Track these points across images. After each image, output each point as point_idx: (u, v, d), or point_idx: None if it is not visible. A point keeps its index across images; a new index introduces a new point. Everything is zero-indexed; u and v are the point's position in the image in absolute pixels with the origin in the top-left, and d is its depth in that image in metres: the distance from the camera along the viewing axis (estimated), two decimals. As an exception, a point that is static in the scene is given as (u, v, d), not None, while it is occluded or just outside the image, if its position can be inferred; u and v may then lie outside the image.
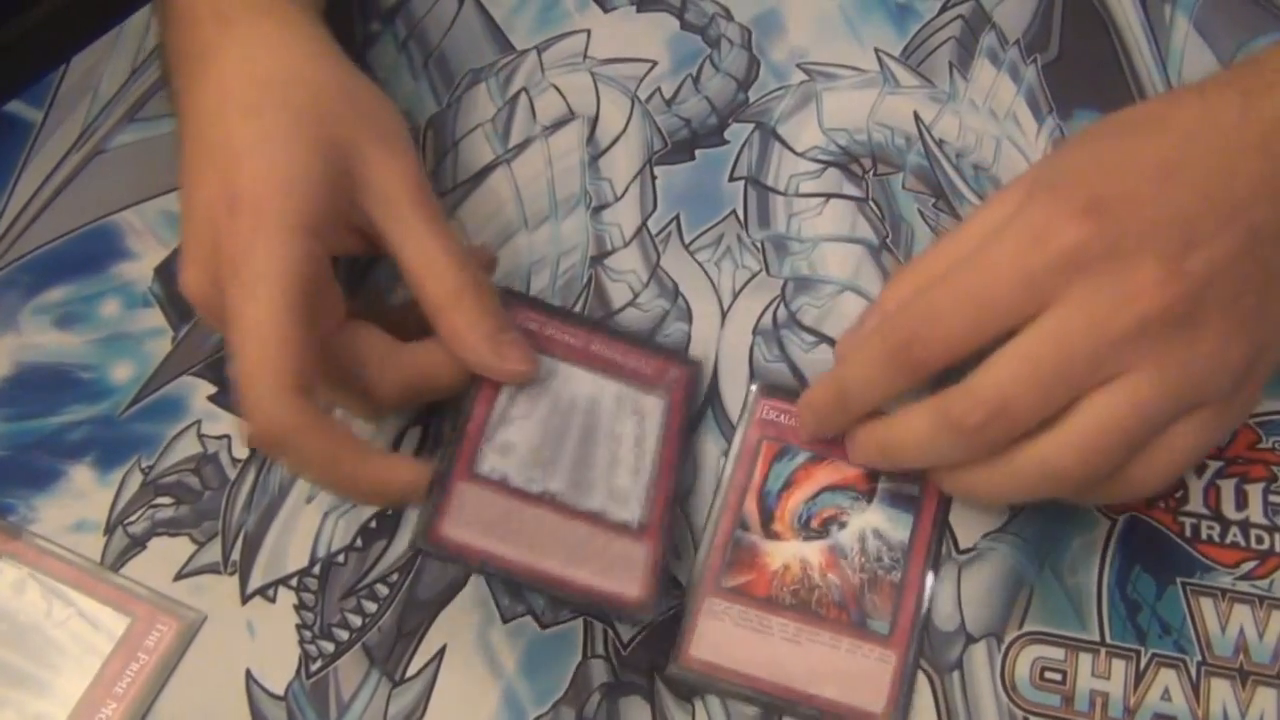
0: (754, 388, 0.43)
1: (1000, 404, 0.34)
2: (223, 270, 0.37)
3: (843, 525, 0.40)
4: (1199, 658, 0.38)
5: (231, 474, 0.44)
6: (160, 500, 0.44)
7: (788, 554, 0.40)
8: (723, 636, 0.39)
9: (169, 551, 0.43)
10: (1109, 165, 0.36)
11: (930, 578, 0.40)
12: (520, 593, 0.41)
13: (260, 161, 0.38)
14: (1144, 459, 0.35)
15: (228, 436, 0.45)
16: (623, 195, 0.49)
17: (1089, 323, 0.34)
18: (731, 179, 0.49)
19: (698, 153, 0.49)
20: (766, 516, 0.41)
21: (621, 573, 0.38)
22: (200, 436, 0.45)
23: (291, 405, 0.36)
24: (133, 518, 0.43)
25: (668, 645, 0.40)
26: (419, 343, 0.40)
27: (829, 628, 0.39)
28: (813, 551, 0.40)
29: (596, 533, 0.38)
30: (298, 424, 0.36)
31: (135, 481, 0.44)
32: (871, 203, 0.47)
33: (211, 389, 0.46)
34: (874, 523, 0.40)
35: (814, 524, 0.40)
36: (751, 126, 0.50)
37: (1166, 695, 0.38)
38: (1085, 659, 0.39)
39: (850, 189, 0.48)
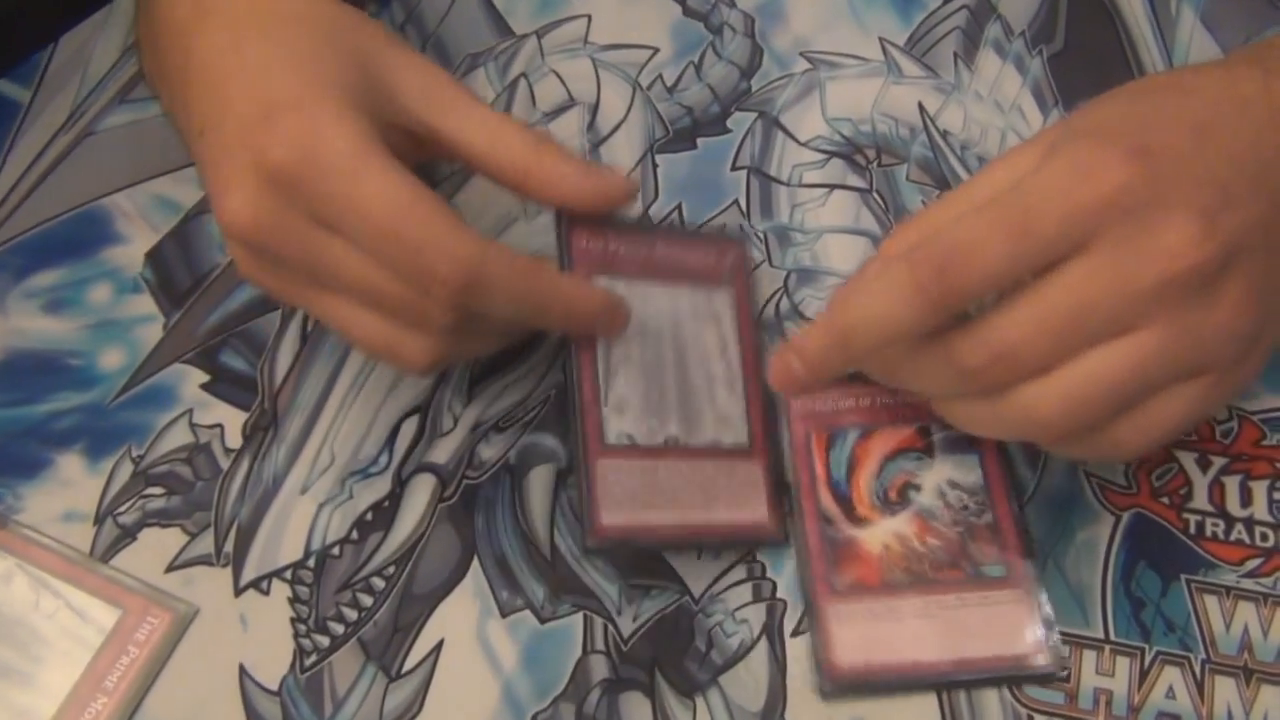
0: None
1: (1006, 350, 0.33)
2: (291, 172, 0.34)
3: (918, 488, 0.40)
4: (1203, 655, 0.38)
5: (224, 464, 0.43)
6: (151, 490, 0.43)
7: (882, 534, 0.40)
8: (861, 637, 0.38)
9: (160, 543, 0.42)
10: (1146, 119, 0.35)
11: (1018, 506, 0.39)
12: (520, 587, 0.40)
13: (289, 73, 0.36)
14: (1130, 419, 0.34)
15: (220, 426, 0.44)
16: (624, 183, 0.48)
17: (1115, 277, 0.33)
18: (734, 168, 0.48)
19: (700, 141, 0.49)
20: (846, 506, 0.40)
21: (749, 499, 0.39)
22: (192, 426, 0.44)
23: (468, 236, 0.35)
24: (123, 508, 0.43)
25: (669, 639, 0.39)
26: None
27: (953, 589, 0.38)
28: (903, 523, 0.40)
29: (719, 465, 0.39)
30: (484, 252, 0.35)
31: (126, 471, 0.43)
32: (875, 194, 0.47)
33: (204, 377, 0.45)
34: (945, 475, 0.40)
35: (892, 496, 0.40)
36: (754, 115, 0.49)
37: (1171, 693, 0.38)
38: (1089, 656, 0.38)
39: (854, 180, 0.47)
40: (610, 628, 0.40)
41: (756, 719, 0.38)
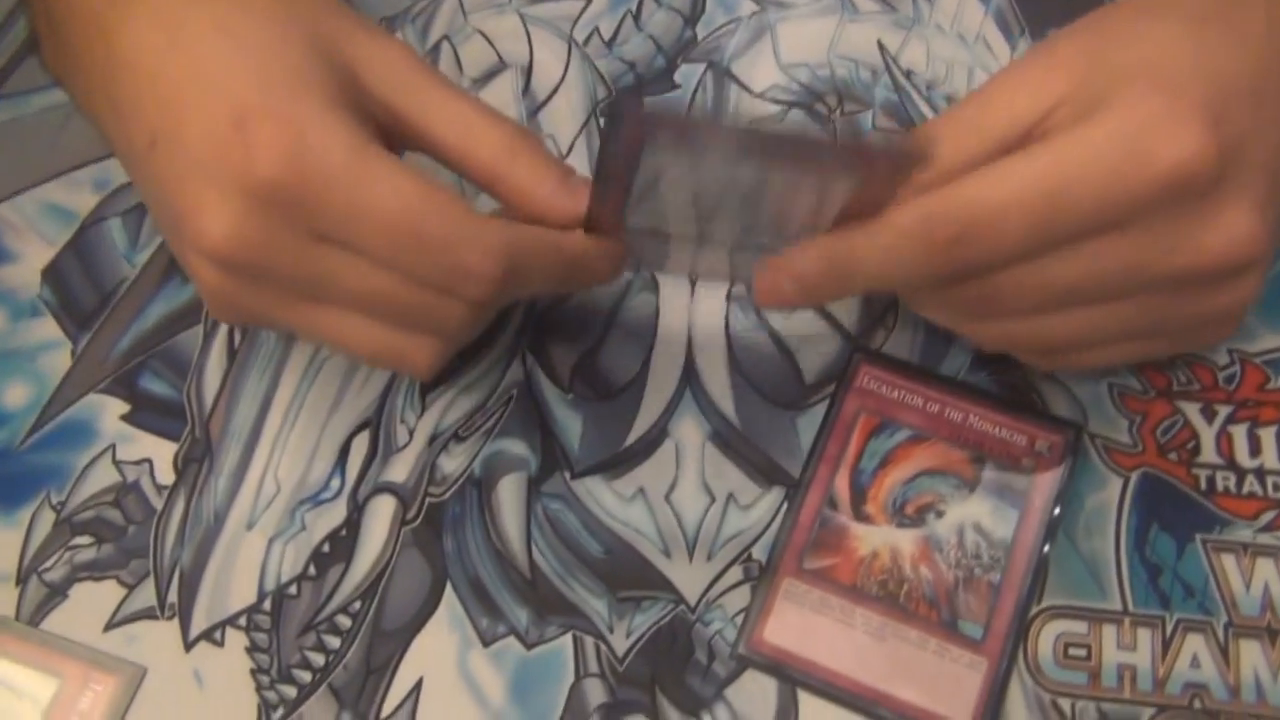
0: (857, 354, 0.40)
1: (994, 296, 0.32)
2: (284, 187, 0.30)
3: (940, 514, 0.37)
4: (1225, 619, 0.36)
5: (157, 503, 0.39)
6: (78, 540, 0.39)
7: (878, 540, 0.37)
8: (801, 622, 0.36)
9: (95, 598, 0.38)
10: (1212, 63, 0.30)
11: (1031, 581, 0.37)
12: (500, 612, 0.37)
13: (251, 73, 0.32)
14: (1064, 356, 0.34)
15: (148, 461, 0.40)
16: (568, 152, 0.44)
17: (1138, 259, 0.30)
18: (687, 128, 0.44)
19: (647, 100, 0.45)
20: (858, 496, 0.38)
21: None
22: (116, 463, 0.40)
23: (494, 224, 0.32)
24: (48, 563, 0.38)
25: (667, 654, 0.36)
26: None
27: (917, 625, 0.36)
28: (905, 540, 0.37)
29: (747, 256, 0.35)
30: (516, 238, 0.32)
31: (46, 521, 0.39)
32: (841, 146, 0.43)
33: (124, 407, 0.41)
34: (975, 515, 0.37)
35: (909, 510, 0.37)
36: (703, 67, 0.45)
37: (1195, 662, 0.36)
38: (1109, 631, 0.36)
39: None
40: (603, 647, 0.37)
41: (768, 732, 0.35)
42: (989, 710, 0.35)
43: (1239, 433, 0.39)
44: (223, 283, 0.33)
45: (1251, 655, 0.36)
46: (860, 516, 0.37)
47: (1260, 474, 0.38)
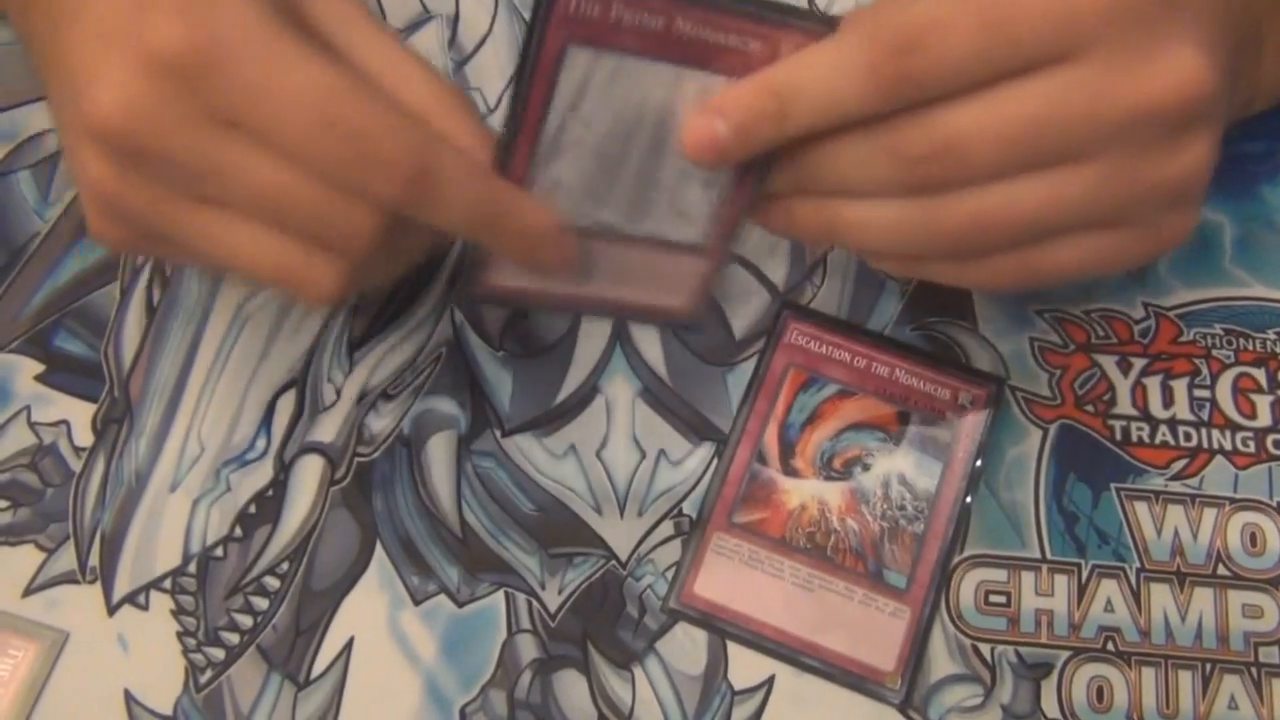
0: (785, 310, 0.40)
1: (954, 145, 0.30)
2: (186, 56, 0.28)
3: (867, 467, 0.38)
4: (1137, 564, 0.38)
5: (76, 465, 0.38)
6: (-7, 504, 0.38)
7: (806, 493, 0.38)
8: (730, 575, 0.36)
9: (13, 563, 0.37)
10: None
11: (953, 532, 0.37)
12: (431, 570, 0.37)
13: None
14: (1022, 254, 0.31)
15: (65, 422, 0.39)
16: (496, 106, 0.43)
17: (1092, 95, 0.29)
18: (616, 82, 0.44)
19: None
20: (787, 451, 0.38)
21: (671, 287, 0.34)
22: (32, 425, 0.39)
23: (418, 125, 0.30)
24: (-38, 529, 0.37)
25: (599, 609, 0.37)
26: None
27: (844, 576, 0.37)
28: (832, 493, 0.38)
29: (651, 255, 0.34)
30: (437, 142, 0.30)
31: (-41, 485, 0.38)
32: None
33: (38, 367, 0.40)
34: (900, 468, 0.38)
35: (836, 464, 0.38)
36: (632, 20, 0.44)
37: (1109, 606, 0.37)
38: (1028, 578, 0.37)
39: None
40: (535, 603, 0.37)
41: (699, 682, 0.36)
42: (913, 656, 0.36)
43: (1153, 384, 0.40)
44: (108, 175, 0.30)
45: (1161, 598, 0.37)
46: (789, 471, 0.38)
47: (1172, 424, 0.40)
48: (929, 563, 0.37)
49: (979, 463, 0.38)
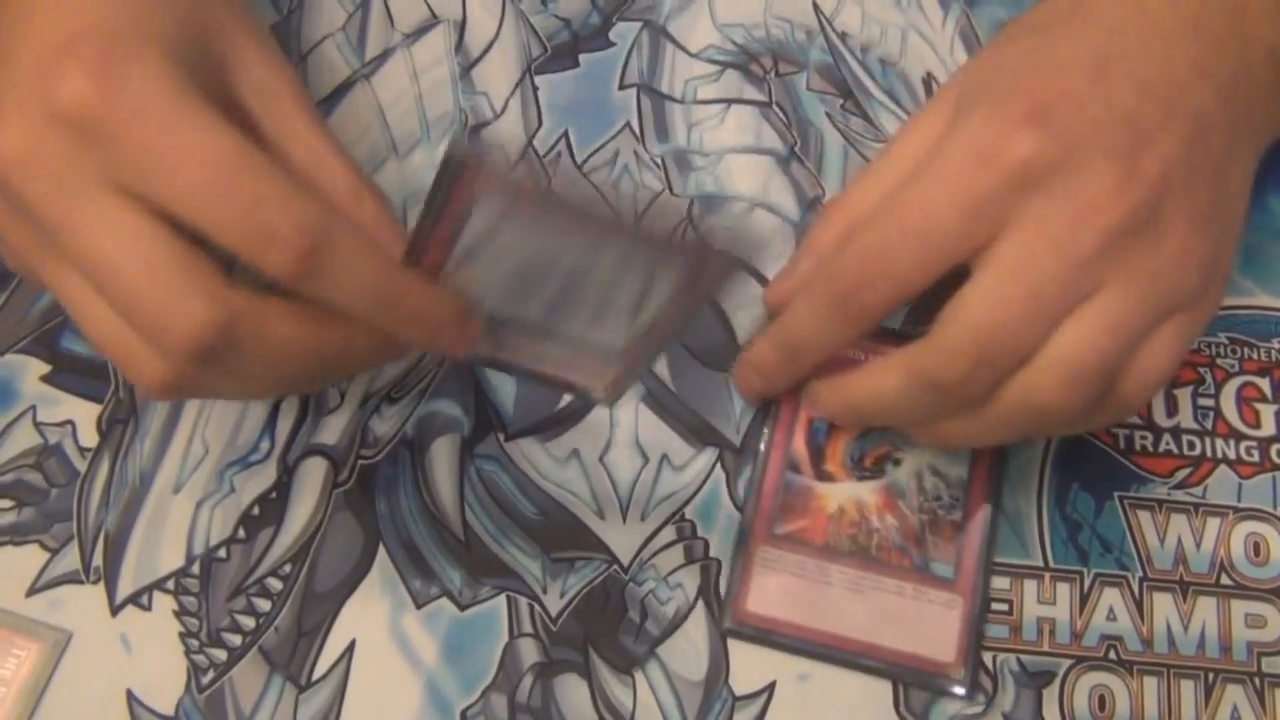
0: None
1: (978, 352, 0.32)
2: (86, 109, 0.28)
3: (898, 463, 0.38)
4: (1140, 573, 0.38)
5: (81, 466, 0.38)
6: (-2, 504, 0.38)
7: (842, 496, 0.38)
8: (780, 588, 0.36)
9: (17, 563, 0.37)
10: (1039, 66, 0.33)
11: (991, 515, 0.37)
12: (434, 574, 0.37)
13: (108, 8, 0.30)
14: (1127, 376, 0.33)
15: (70, 422, 0.39)
16: (502, 111, 0.43)
17: (1052, 247, 0.31)
18: (622, 86, 0.44)
19: (582, 58, 0.44)
20: (817, 456, 0.38)
21: (588, 374, 0.35)
22: (37, 425, 0.39)
23: (315, 200, 0.29)
24: (-34, 528, 0.37)
25: (600, 614, 0.37)
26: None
27: (891, 574, 0.37)
28: (868, 492, 0.38)
29: (567, 349, 0.34)
30: (333, 218, 0.29)
31: (-36, 485, 0.38)
32: (776, 107, 0.44)
33: (44, 368, 0.40)
34: (930, 459, 0.38)
35: (867, 462, 0.38)
36: (639, 25, 0.45)
37: (1111, 615, 0.37)
38: (1030, 586, 0.37)
39: (751, 92, 0.44)
40: (536, 607, 0.37)
41: (700, 688, 0.36)
42: (971, 644, 0.36)
43: (1157, 394, 0.40)
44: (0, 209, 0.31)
45: (1164, 607, 0.37)
46: (821, 475, 0.38)
47: (1176, 433, 0.39)
48: (973, 549, 0.37)
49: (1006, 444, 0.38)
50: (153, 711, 0.36)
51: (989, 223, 0.32)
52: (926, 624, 0.36)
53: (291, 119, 0.33)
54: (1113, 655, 0.37)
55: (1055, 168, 0.31)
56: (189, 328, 0.29)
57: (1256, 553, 0.38)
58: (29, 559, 0.37)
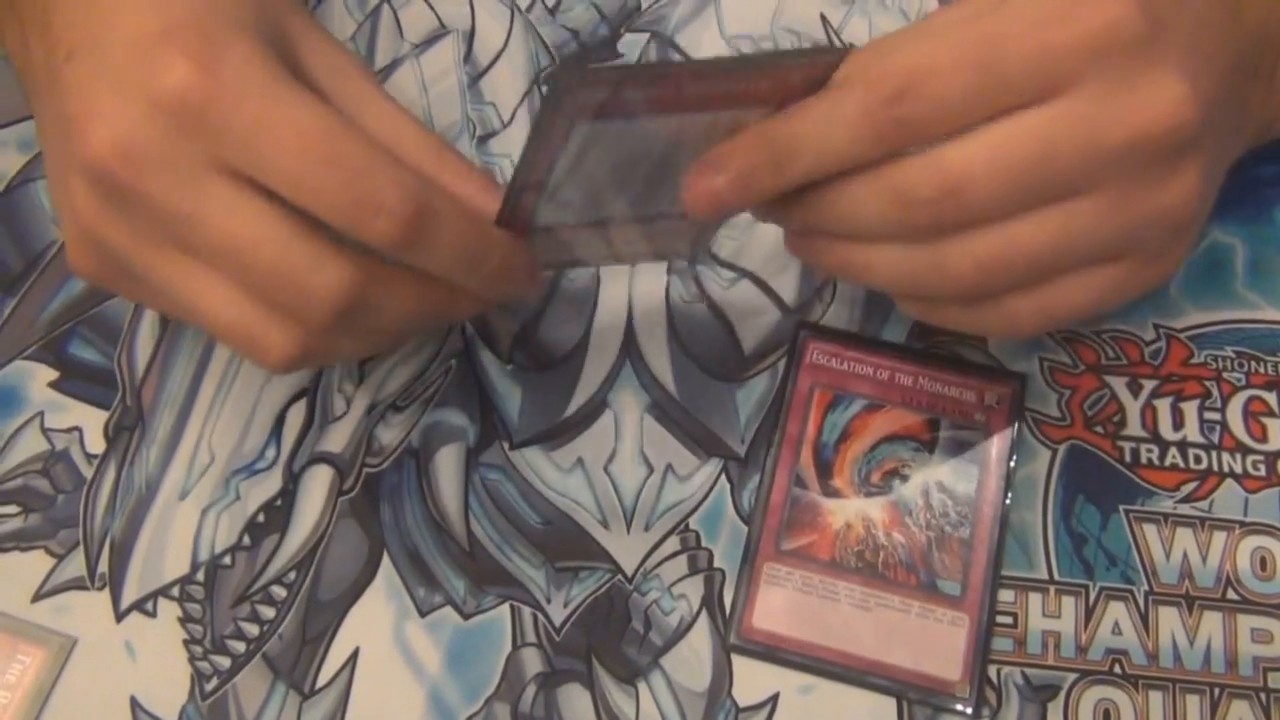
0: (802, 332, 0.40)
1: (956, 186, 0.30)
2: (192, 96, 0.29)
3: (905, 479, 0.38)
4: (1146, 587, 0.37)
5: (87, 472, 0.39)
6: (4, 510, 0.38)
7: (849, 512, 0.37)
8: (786, 604, 0.36)
9: (23, 569, 0.37)
10: None
11: (999, 534, 0.37)
12: (437, 582, 0.37)
13: (193, 1, 0.30)
14: (1032, 295, 0.32)
15: (78, 429, 0.39)
16: (510, 122, 0.44)
17: (1088, 130, 0.30)
18: (629, 98, 0.44)
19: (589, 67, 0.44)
20: (824, 471, 0.38)
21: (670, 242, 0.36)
22: (45, 431, 0.39)
23: (415, 183, 0.30)
24: (-27, 533, 0.38)
25: (604, 623, 0.37)
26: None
27: (898, 591, 0.37)
28: (875, 508, 0.37)
29: (650, 230, 0.34)
30: (429, 186, 0.30)
31: (-29, 490, 0.38)
32: (783, 119, 0.43)
33: (52, 374, 0.40)
34: (937, 475, 0.38)
35: (875, 478, 0.38)
36: (647, 37, 0.45)
37: (1116, 629, 0.37)
38: (1035, 599, 0.37)
39: (759, 104, 0.44)
40: (540, 617, 0.37)
41: (703, 698, 0.36)
42: (978, 662, 0.36)
43: (1163, 406, 0.40)
44: (91, 210, 0.31)
45: (1170, 621, 0.37)
46: (829, 491, 0.38)
47: (1182, 447, 0.39)
48: (980, 566, 0.37)
49: (1013, 461, 0.38)
50: (156, 718, 0.36)
51: (1051, 79, 0.29)
52: (932, 642, 0.36)
53: (362, 92, 0.33)
54: (1118, 669, 0.36)
55: (1133, 44, 0.29)
56: (329, 293, 0.30)
57: (1263, 567, 0.38)
58: (35, 565, 0.37)
